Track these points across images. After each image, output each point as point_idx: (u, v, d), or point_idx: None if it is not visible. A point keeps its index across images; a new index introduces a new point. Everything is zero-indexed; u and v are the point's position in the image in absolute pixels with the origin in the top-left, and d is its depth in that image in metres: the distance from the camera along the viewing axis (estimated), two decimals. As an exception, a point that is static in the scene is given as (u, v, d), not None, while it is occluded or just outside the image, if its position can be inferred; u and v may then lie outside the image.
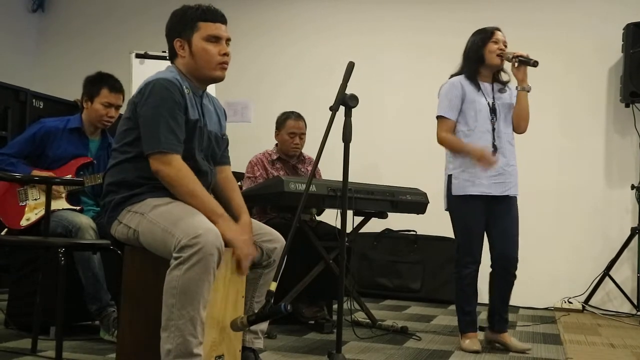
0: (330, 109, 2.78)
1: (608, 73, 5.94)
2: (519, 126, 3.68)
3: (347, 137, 2.79)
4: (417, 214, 4.36)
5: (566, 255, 5.81)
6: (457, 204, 3.64)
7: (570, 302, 5.61)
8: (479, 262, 3.63)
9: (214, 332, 2.47)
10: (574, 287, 5.66)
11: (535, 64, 3.57)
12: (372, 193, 4.06)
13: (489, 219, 3.64)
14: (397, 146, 6.29)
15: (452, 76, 3.74)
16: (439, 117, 3.68)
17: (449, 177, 3.68)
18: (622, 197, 5.79)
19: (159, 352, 2.34)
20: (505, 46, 3.64)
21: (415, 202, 4.29)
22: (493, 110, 3.63)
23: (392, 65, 6.42)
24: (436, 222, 5.69)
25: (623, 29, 5.65)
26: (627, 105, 5.70)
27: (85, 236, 3.32)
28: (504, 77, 3.74)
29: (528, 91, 3.64)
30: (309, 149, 4.45)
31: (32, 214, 3.52)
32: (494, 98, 3.66)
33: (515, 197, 3.68)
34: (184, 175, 2.47)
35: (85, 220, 3.40)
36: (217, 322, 2.49)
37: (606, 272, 5.53)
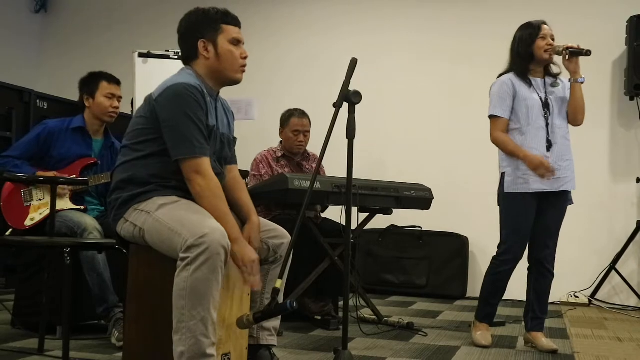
0: (334, 105, 2.77)
1: (612, 66, 5.92)
2: (576, 119, 3.56)
3: (350, 134, 2.79)
4: (422, 209, 4.35)
5: (572, 249, 5.77)
6: (508, 202, 3.56)
7: (576, 297, 5.60)
8: (518, 261, 3.58)
9: (220, 329, 2.47)
10: (580, 281, 5.65)
11: (588, 53, 3.47)
12: (377, 189, 4.06)
13: (539, 216, 3.57)
14: (402, 142, 6.29)
15: (500, 75, 3.66)
16: (491, 117, 3.61)
17: (502, 174, 3.61)
18: (628, 191, 5.78)
19: (165, 351, 2.34)
20: (553, 39, 3.58)
21: (420, 198, 4.28)
22: (546, 106, 3.55)
23: (396, 62, 6.42)
24: (441, 218, 5.73)
25: (627, 22, 5.63)
26: (631, 99, 5.69)
27: (90, 237, 3.33)
28: (554, 69, 3.66)
29: (582, 82, 3.53)
30: (314, 146, 4.45)
31: (36, 214, 3.52)
32: (546, 93, 3.58)
33: (570, 191, 3.58)
34: (212, 191, 2.48)
35: (90, 221, 3.40)
36: (223, 319, 2.49)
37: (612, 266, 5.52)
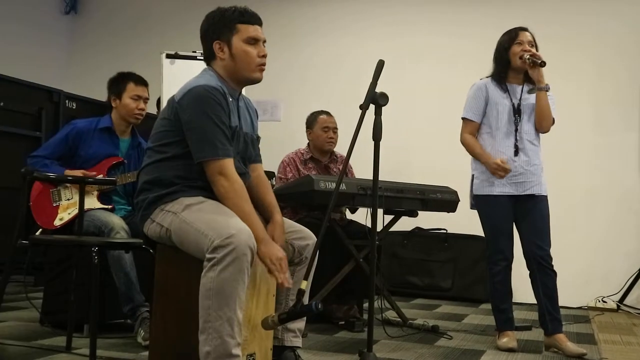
0: (361, 107, 2.77)
1: (642, 68, 5.85)
2: (541, 125, 3.63)
3: (377, 136, 2.78)
4: (448, 212, 4.33)
5: (600, 254, 5.73)
6: (480, 204, 3.69)
7: (604, 302, 5.53)
8: (509, 259, 3.64)
9: (245, 330, 2.47)
10: (608, 286, 5.58)
11: (542, 64, 3.52)
12: (403, 191, 4.05)
13: (517, 219, 3.66)
14: (428, 144, 6.27)
15: (486, 78, 3.75)
16: (463, 119, 3.76)
17: (472, 176, 3.75)
18: (657, 194, 5.70)
19: (191, 351, 2.35)
20: (532, 46, 3.62)
21: (446, 201, 4.26)
22: (517, 112, 3.62)
23: (424, 65, 6.40)
24: (467, 221, 5.66)
25: (657, 23, 5.56)
26: (661, 101, 5.61)
27: (117, 236, 3.35)
28: None
29: (546, 90, 3.57)
30: (340, 148, 4.45)
31: (65, 214, 3.56)
32: (520, 99, 3.64)
33: (543, 195, 3.63)
34: (237, 192, 2.49)
35: (117, 221, 3.43)
36: (248, 320, 2.50)
37: (641, 271, 5.45)
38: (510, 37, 3.65)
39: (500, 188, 3.60)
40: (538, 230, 3.60)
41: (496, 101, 3.64)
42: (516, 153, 3.60)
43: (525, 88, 3.66)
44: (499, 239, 3.62)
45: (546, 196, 3.65)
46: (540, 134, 3.70)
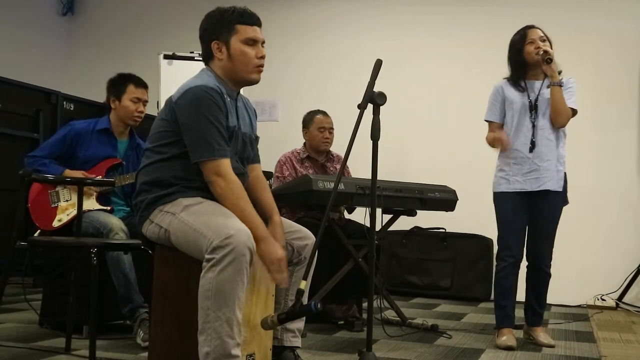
0: (359, 106, 2.76)
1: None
2: (555, 121, 3.63)
3: (375, 135, 2.78)
4: (446, 211, 4.33)
5: (599, 252, 5.73)
6: (496, 201, 3.74)
7: (603, 300, 5.54)
8: (517, 257, 3.65)
9: (244, 330, 2.47)
10: (607, 284, 5.59)
11: (547, 60, 3.55)
12: (401, 191, 4.05)
13: (530, 215, 3.68)
14: (427, 143, 6.27)
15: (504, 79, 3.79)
16: (486, 121, 3.81)
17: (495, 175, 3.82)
18: (656, 192, 5.70)
19: (191, 351, 2.35)
20: (543, 40, 3.63)
21: (445, 200, 4.26)
22: (534, 108, 3.63)
23: (421, 64, 6.40)
24: (465, 220, 5.70)
25: (655, 22, 5.56)
26: (659, 99, 5.61)
27: (116, 237, 3.35)
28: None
29: (560, 86, 3.58)
30: (338, 147, 4.45)
31: (63, 215, 3.56)
32: (538, 94, 3.65)
33: (557, 192, 3.64)
34: (234, 192, 2.49)
35: (116, 222, 3.43)
36: (248, 320, 2.50)
37: (640, 269, 5.45)
38: (521, 37, 3.68)
39: (515, 185, 3.65)
40: (543, 232, 3.65)
41: (512, 100, 3.68)
42: (531, 149, 3.62)
43: (546, 82, 3.66)
44: (507, 235, 3.65)
45: (560, 192, 3.65)
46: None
